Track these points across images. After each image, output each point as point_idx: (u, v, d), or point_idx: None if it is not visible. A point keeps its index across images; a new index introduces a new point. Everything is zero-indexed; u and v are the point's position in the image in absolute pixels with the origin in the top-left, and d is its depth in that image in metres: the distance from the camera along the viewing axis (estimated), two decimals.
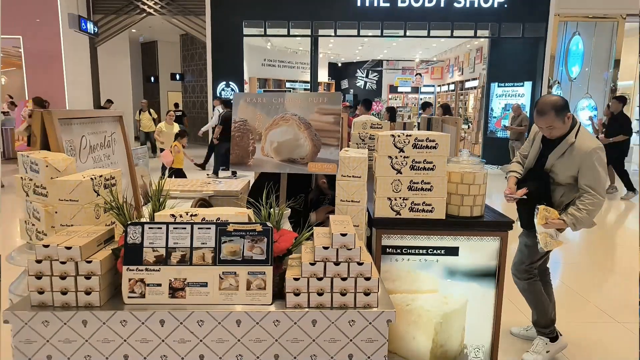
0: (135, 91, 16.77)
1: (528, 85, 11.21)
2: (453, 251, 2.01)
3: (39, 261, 1.38)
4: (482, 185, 1.99)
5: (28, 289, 1.40)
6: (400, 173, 1.93)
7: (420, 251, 2.01)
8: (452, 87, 18.63)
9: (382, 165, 1.91)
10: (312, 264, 1.40)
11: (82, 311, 1.38)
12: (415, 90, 20.56)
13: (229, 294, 1.43)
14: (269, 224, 1.46)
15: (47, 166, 1.71)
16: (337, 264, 1.40)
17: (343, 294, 1.42)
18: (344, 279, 1.41)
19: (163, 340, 1.40)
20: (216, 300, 1.43)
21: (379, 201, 1.93)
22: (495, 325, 2.04)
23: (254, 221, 1.53)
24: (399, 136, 1.91)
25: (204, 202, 3.03)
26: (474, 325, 2.08)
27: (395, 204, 1.95)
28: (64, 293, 1.39)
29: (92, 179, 1.67)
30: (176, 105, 15.02)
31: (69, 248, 1.37)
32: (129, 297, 1.42)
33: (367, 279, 1.41)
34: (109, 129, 2.56)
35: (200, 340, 1.40)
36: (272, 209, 1.59)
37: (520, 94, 11.34)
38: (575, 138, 2.41)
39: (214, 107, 10.68)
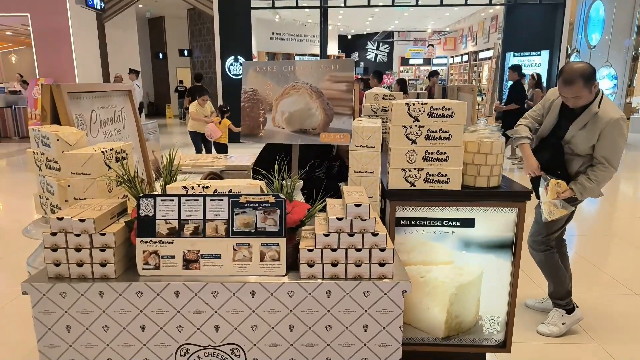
0: (144, 68, 16.68)
1: (545, 54, 10.88)
2: (469, 222, 1.98)
3: (54, 234, 1.39)
4: (500, 155, 1.93)
5: (45, 261, 1.41)
6: (415, 143, 1.88)
7: (435, 223, 1.98)
8: (465, 58, 18.19)
9: (396, 135, 1.86)
10: (326, 235, 1.38)
11: (98, 282, 1.39)
12: (428, 62, 20.13)
13: (243, 266, 1.43)
14: (281, 195, 1.44)
15: (58, 140, 1.70)
16: (351, 234, 1.38)
17: (358, 265, 1.40)
18: (358, 250, 1.39)
19: (179, 311, 1.40)
20: (230, 272, 1.43)
21: (392, 172, 1.89)
22: (511, 297, 2.02)
23: (266, 193, 1.51)
24: (413, 105, 1.85)
25: (215, 177, 3.02)
26: (489, 297, 2.06)
27: (409, 175, 1.91)
28: (79, 265, 1.40)
29: (103, 152, 1.66)
30: (181, 81, 14.88)
31: (82, 221, 1.37)
32: (143, 269, 1.43)
33: (382, 249, 1.39)
34: (118, 103, 2.54)
35: (215, 311, 1.41)
36: (284, 181, 1.56)
37: (537, 64, 11.02)
38: (599, 108, 2.32)
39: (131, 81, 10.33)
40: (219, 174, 3.13)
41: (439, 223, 1.99)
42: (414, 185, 1.94)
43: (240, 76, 11.65)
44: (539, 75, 8.03)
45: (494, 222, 1.98)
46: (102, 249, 1.39)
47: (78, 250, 1.39)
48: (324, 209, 1.56)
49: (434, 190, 1.94)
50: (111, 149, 1.71)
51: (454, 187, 1.93)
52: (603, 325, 2.76)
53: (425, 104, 1.85)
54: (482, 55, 16.00)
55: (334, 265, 1.40)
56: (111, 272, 1.40)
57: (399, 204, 1.94)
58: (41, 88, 2.00)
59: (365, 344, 1.43)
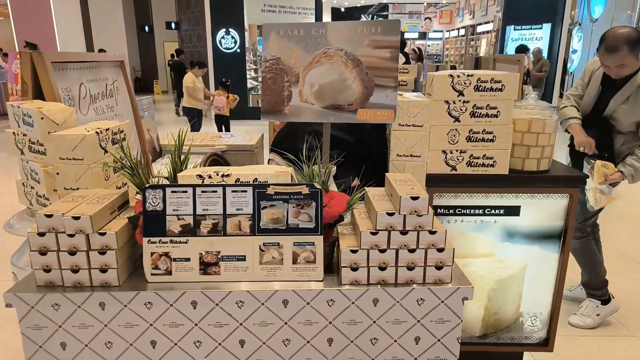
0: (129, 42, 15.99)
1: (546, 27, 10.57)
2: (514, 211, 1.76)
3: (41, 234, 1.14)
4: (552, 135, 1.71)
5: (32, 267, 1.16)
6: (459, 121, 1.64)
7: (477, 211, 1.76)
8: (462, 32, 17.77)
9: (437, 112, 1.61)
10: (373, 234, 1.15)
11: (98, 292, 1.15)
12: (423, 36, 19.66)
13: (272, 269, 1.20)
14: (317, 185, 1.20)
15: (42, 118, 1.43)
16: (404, 233, 1.15)
17: (410, 269, 1.18)
18: (411, 251, 1.17)
19: (196, 325, 1.18)
20: (257, 277, 1.20)
21: (432, 155, 1.65)
22: (557, 292, 1.83)
23: (298, 182, 1.27)
24: (458, 77, 1.60)
25: (217, 158, 2.76)
26: (532, 292, 1.86)
27: (451, 157, 1.68)
28: (74, 271, 1.15)
29: (97, 132, 1.39)
30: (172, 55, 14.22)
31: (77, 218, 1.12)
32: (152, 275, 1.19)
33: (440, 250, 1.17)
34: (109, 75, 2.24)
35: (240, 324, 1.18)
36: (315, 166, 1.32)
37: (538, 37, 10.72)
38: None
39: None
40: (221, 156, 2.86)
41: (481, 211, 1.77)
42: (455, 170, 1.70)
43: (232, 49, 11.19)
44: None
45: (541, 209, 1.77)
46: (102, 252, 1.14)
47: (72, 253, 1.14)
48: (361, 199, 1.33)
49: (477, 174, 1.71)
50: (107, 129, 1.45)
51: (500, 172, 1.71)
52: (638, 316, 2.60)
53: (471, 75, 1.60)
54: (480, 28, 15.60)
55: (382, 268, 1.18)
56: (113, 278, 1.16)
57: (437, 190, 1.72)
58: (20, 57, 1.71)
59: (416, 359, 1.22)
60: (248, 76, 11.20)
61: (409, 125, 1.40)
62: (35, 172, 1.50)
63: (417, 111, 1.38)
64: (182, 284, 1.18)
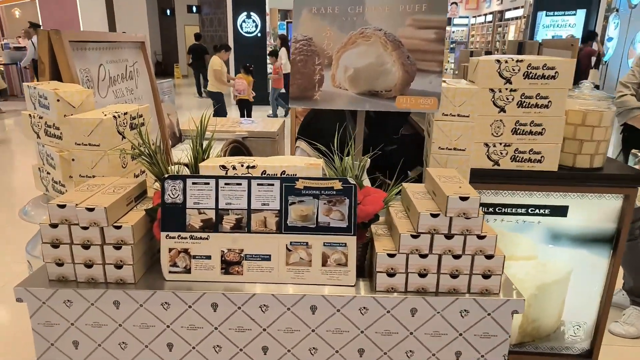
0: (150, 25, 15.98)
1: (581, 13, 10.09)
2: (561, 211, 1.61)
3: (54, 225, 1.05)
4: (609, 128, 1.54)
5: (43, 260, 1.08)
6: (504, 111, 1.49)
7: (519, 211, 1.62)
8: (489, 17, 17.19)
9: (481, 101, 1.47)
10: (414, 237, 1.03)
11: (113, 289, 1.06)
12: (448, 22, 19.10)
13: (300, 271, 1.09)
14: (351, 179, 1.08)
15: (58, 100, 1.34)
16: (449, 237, 1.03)
17: (454, 276, 1.05)
18: (456, 257, 1.04)
19: (216, 328, 1.08)
20: (283, 279, 1.09)
21: (473, 147, 1.51)
22: (605, 301, 1.68)
23: (330, 177, 1.15)
24: (506, 62, 1.45)
25: (239, 145, 2.66)
26: (576, 300, 1.72)
27: (493, 151, 1.53)
28: (88, 266, 1.07)
29: (115, 117, 1.30)
30: (198, 37, 14.06)
31: (91, 209, 1.03)
32: (170, 272, 1.10)
33: (489, 257, 1.04)
34: (130, 57, 2.15)
35: (264, 329, 1.08)
36: (347, 157, 1.19)
37: (571, 24, 10.26)
38: None
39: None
40: (242, 143, 2.76)
41: (524, 211, 1.63)
42: (498, 165, 1.56)
43: (253, 34, 11.04)
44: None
45: (592, 210, 1.61)
46: (117, 246, 1.06)
47: (86, 247, 1.06)
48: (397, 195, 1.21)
49: (522, 170, 1.56)
50: (125, 113, 1.35)
51: (548, 168, 1.55)
52: None
53: (521, 61, 1.45)
54: (508, 14, 15.04)
55: (422, 275, 1.06)
56: (129, 275, 1.07)
57: (477, 186, 1.57)
58: (37, 35, 1.62)
59: None
60: (268, 61, 11.06)
61: (454, 115, 1.26)
62: (51, 157, 1.42)
63: (463, 99, 1.24)
64: (201, 284, 1.08)
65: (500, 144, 1.53)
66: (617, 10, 10.41)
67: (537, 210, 1.62)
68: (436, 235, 1.03)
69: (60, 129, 1.36)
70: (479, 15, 18.59)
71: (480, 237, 1.03)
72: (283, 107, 8.90)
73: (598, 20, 9.78)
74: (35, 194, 1.72)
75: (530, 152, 1.54)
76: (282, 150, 3.50)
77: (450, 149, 1.28)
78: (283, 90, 8.68)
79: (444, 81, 1.32)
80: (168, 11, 18.04)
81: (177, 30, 18.27)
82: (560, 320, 1.75)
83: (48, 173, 1.48)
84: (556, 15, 10.45)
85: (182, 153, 1.31)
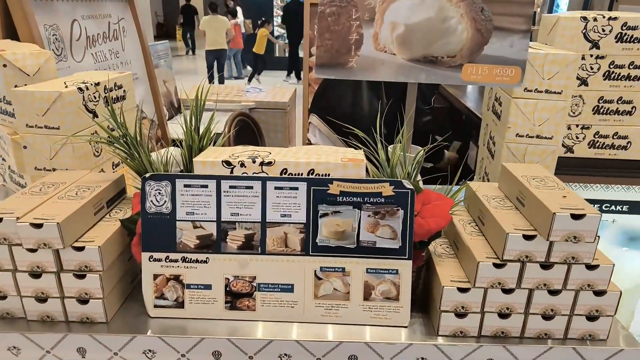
0: None
1: None
2: None
3: None
4: None
5: None
6: (586, 84, 1.16)
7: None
8: None
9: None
10: (498, 266, 0.73)
11: (76, 332, 0.77)
12: None
13: (333, 307, 0.80)
14: (407, 182, 0.77)
15: (4, 65, 1.01)
16: (546, 266, 0.73)
17: (547, 317, 0.76)
18: (554, 292, 0.74)
19: None
20: (310, 317, 0.80)
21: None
22: None
23: (376, 178, 0.84)
24: (595, 20, 1.10)
25: (246, 120, 2.33)
26: None
27: (567, 134, 1.21)
28: (41, 300, 0.78)
29: (80, 88, 0.97)
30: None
31: (38, 226, 0.72)
32: (156, 307, 0.80)
33: (600, 293, 0.74)
34: (113, 12, 1.79)
35: None
36: (392, 147, 0.88)
37: None
38: None
39: None
40: (249, 115, 2.43)
41: (597, 207, 1.31)
42: (571, 151, 1.24)
43: None
44: None
45: None
46: (80, 275, 0.76)
47: (36, 275, 0.76)
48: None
49: (601, 159, 1.24)
50: (96, 84, 1.02)
51: (634, 156, 1.23)
52: None
53: (614, 19, 1.10)
54: None
55: (504, 315, 0.76)
56: (98, 313, 0.78)
57: None
58: None
59: None
60: (275, 23, 10.47)
61: (540, 92, 0.94)
62: (4, 141, 1.11)
63: (556, 70, 0.91)
64: (199, 324, 0.79)
65: (577, 125, 1.20)
66: None
67: (612, 207, 1.32)
68: (529, 264, 0.73)
69: (13, 104, 1.04)
70: None
71: (591, 268, 0.73)
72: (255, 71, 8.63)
73: None
74: None
75: (614, 137, 1.21)
76: (294, 123, 3.16)
77: (532, 137, 0.96)
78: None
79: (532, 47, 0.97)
80: None
81: None
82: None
83: (4, 160, 1.17)
84: None
85: (176, 126, 0.99)
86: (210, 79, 7.00)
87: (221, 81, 7.79)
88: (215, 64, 7.74)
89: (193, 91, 0.96)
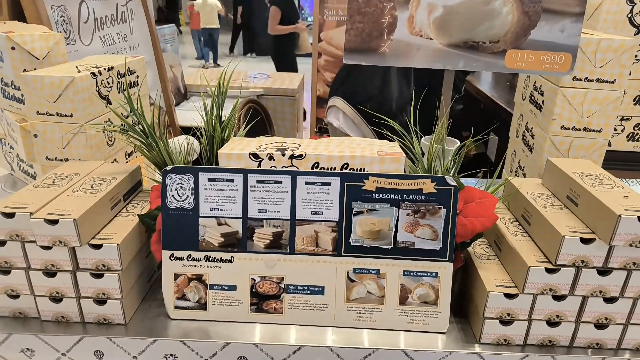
0: None
1: None
2: None
3: (1, 242, 0.70)
4: None
5: None
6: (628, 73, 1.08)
7: None
8: None
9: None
10: (550, 271, 0.67)
11: (93, 334, 0.72)
12: None
13: (366, 311, 0.74)
14: (450, 179, 0.71)
15: (13, 48, 0.95)
16: (604, 272, 0.67)
17: (601, 326, 0.71)
18: (610, 300, 0.69)
19: None
20: (341, 321, 0.75)
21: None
22: None
23: (416, 174, 0.78)
24: None
25: (256, 107, 2.26)
26: None
27: None
28: (56, 299, 0.73)
29: (94, 73, 0.91)
30: None
31: (53, 222, 0.67)
32: (177, 309, 0.75)
33: None
34: None
35: None
36: (426, 138, 0.82)
37: None
38: None
39: None
40: (258, 102, 2.36)
41: None
42: (609, 144, 1.17)
43: None
44: None
45: None
46: (98, 274, 0.71)
47: (51, 274, 0.71)
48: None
49: None
50: (110, 68, 0.96)
51: None
52: None
53: None
54: None
55: (553, 323, 0.71)
56: (116, 314, 0.73)
57: None
58: None
59: None
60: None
61: (591, 80, 0.87)
62: (12, 128, 1.05)
63: (610, 57, 0.84)
64: (223, 327, 0.74)
65: (617, 117, 1.13)
66: None
67: None
68: (584, 270, 0.67)
69: (22, 89, 0.98)
70: None
71: None
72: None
73: None
74: None
75: None
76: (301, 114, 3.08)
77: (579, 129, 0.90)
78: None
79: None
80: None
81: None
82: None
83: (12, 147, 1.11)
84: None
85: (189, 113, 0.93)
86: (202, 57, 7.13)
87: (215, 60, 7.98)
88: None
89: (192, 77, 0.89)
